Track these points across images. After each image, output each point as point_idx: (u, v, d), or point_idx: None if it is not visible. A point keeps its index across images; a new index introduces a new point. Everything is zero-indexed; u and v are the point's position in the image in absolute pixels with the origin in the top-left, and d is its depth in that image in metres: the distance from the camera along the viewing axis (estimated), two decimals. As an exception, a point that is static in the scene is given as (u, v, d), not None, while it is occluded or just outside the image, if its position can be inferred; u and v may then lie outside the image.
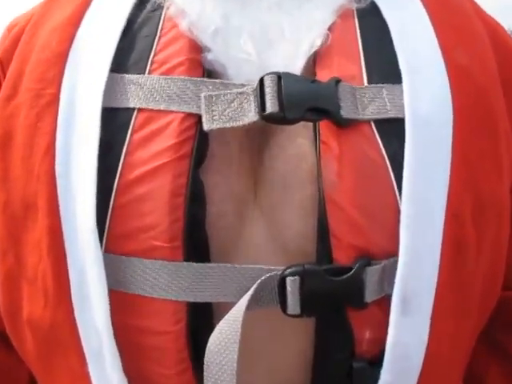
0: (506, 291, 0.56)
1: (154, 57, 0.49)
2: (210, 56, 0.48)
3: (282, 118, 0.46)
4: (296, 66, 0.48)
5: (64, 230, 0.47)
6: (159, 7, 0.52)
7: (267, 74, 0.47)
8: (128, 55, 0.50)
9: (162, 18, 0.51)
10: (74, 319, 0.47)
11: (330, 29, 0.50)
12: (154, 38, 0.50)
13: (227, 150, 0.48)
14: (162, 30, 0.51)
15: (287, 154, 0.48)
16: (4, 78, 0.54)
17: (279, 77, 0.46)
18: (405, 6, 0.52)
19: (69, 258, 0.47)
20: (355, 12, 0.51)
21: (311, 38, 0.49)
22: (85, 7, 0.53)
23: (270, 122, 0.46)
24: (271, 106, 0.46)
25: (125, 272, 0.46)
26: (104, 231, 0.46)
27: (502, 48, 0.54)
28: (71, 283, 0.47)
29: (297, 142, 0.48)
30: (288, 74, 0.47)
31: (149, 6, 0.52)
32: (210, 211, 0.47)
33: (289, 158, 0.48)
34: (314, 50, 0.49)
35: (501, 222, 0.51)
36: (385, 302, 0.46)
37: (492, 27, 0.55)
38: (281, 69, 0.47)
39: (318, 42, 0.49)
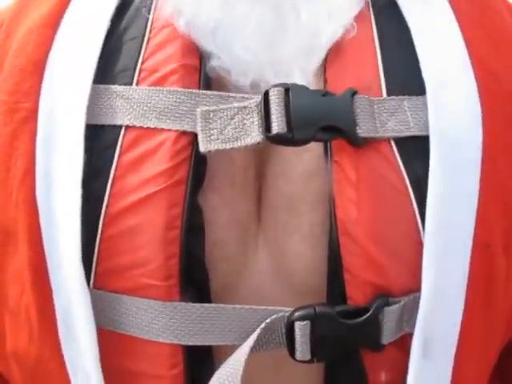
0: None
1: (142, 63, 0.43)
2: (211, 63, 0.42)
3: (290, 139, 0.40)
4: (310, 65, 0.42)
5: (48, 264, 0.42)
6: (146, 4, 0.45)
7: (273, 85, 0.41)
8: (113, 62, 0.44)
9: (151, 16, 0.44)
10: (61, 356, 0.43)
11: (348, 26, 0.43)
12: (142, 41, 0.44)
13: (230, 167, 0.43)
14: (150, 30, 0.44)
15: (293, 172, 0.43)
16: None
17: (286, 89, 0.41)
18: (427, 1, 0.45)
19: (54, 293, 0.42)
20: (371, 10, 0.44)
21: (332, 27, 0.42)
22: (64, 5, 0.46)
23: (275, 142, 0.41)
24: (278, 126, 0.40)
25: (115, 311, 0.42)
26: (91, 265, 0.41)
27: None
28: (57, 320, 0.43)
29: (304, 158, 0.43)
30: (297, 87, 0.41)
31: (134, 4, 0.45)
32: (209, 239, 0.42)
33: (295, 176, 0.43)
34: (333, 42, 0.42)
35: None
36: (403, 342, 0.42)
37: None
38: (293, 68, 0.41)
39: (339, 33, 0.42)
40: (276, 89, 0.40)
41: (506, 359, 0.53)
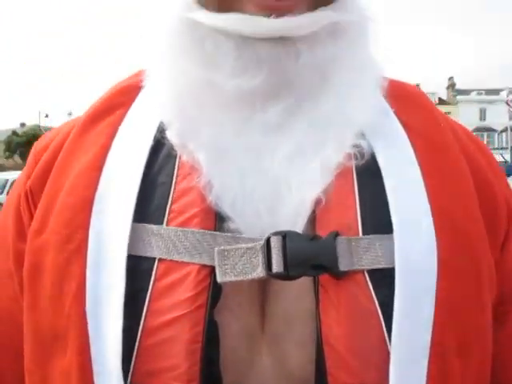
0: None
1: (171, 205, 0.55)
2: (228, 225, 0.54)
3: (286, 276, 0.52)
4: (299, 224, 0.54)
5: (93, 366, 0.53)
6: (173, 152, 0.57)
7: (274, 233, 0.52)
8: (148, 203, 0.56)
9: (177, 165, 0.57)
10: None
11: (330, 184, 0.55)
12: (171, 186, 0.56)
13: (239, 290, 0.55)
14: (177, 176, 0.56)
15: (289, 294, 0.55)
16: (34, 207, 0.59)
17: (284, 235, 0.52)
18: (401, 162, 0.57)
19: None
20: (354, 168, 0.56)
21: (311, 197, 0.55)
22: (105, 151, 0.58)
23: (274, 278, 0.53)
24: (277, 266, 0.52)
25: None
26: (130, 367, 0.53)
27: (483, 184, 0.60)
28: None
29: (297, 283, 0.54)
30: (292, 234, 0.53)
31: (163, 151, 0.57)
32: (223, 346, 0.53)
33: (290, 297, 0.55)
34: (312, 208, 0.55)
35: (485, 349, 0.57)
36: None
37: (475, 163, 0.61)
38: (287, 226, 0.53)
39: (312, 201, 0.55)
40: (276, 237, 0.52)
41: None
